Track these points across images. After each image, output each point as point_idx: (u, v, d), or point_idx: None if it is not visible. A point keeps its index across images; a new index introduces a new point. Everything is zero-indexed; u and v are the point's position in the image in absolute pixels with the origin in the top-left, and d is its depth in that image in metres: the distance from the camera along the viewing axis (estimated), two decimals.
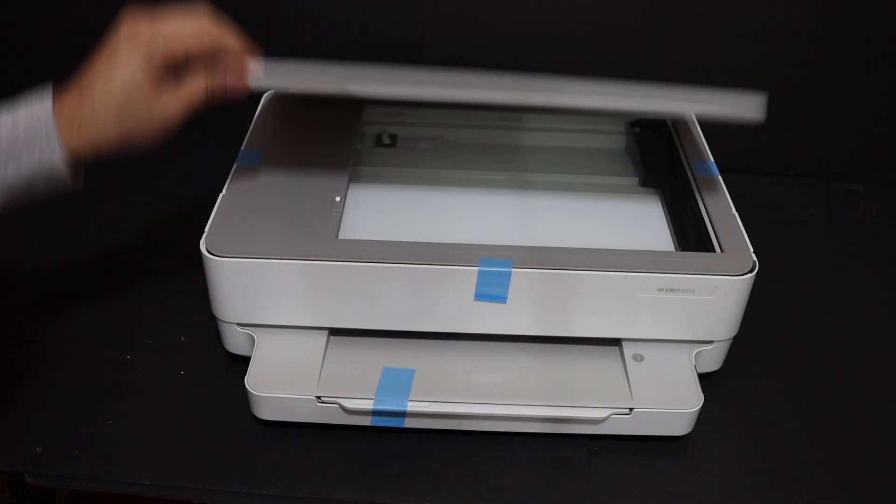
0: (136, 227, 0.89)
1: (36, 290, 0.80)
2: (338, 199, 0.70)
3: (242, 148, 0.77)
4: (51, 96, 0.57)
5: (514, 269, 0.64)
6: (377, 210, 0.76)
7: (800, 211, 0.97)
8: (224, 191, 0.70)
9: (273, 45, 0.96)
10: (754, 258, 0.66)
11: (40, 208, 0.92)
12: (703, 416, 0.66)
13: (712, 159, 0.78)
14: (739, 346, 0.71)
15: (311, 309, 0.66)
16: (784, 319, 0.81)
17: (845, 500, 0.65)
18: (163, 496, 0.64)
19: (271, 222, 0.67)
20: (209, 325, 0.71)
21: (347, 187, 0.73)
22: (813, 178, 1.02)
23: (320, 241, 0.65)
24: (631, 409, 0.65)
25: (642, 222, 0.77)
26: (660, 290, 0.65)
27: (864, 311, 0.82)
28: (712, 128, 0.84)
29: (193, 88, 0.59)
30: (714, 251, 0.68)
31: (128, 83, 0.56)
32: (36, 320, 0.77)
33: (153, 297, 0.80)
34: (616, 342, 0.70)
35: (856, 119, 0.99)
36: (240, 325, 0.68)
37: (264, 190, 0.71)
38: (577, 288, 0.65)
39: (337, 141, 0.79)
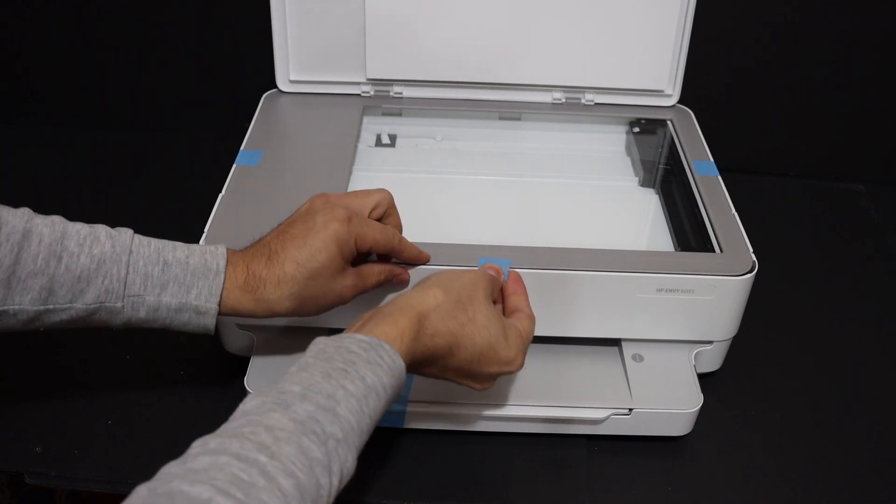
0: (135, 227, 0.89)
1: None
2: None
3: (242, 148, 0.77)
4: (224, 257, 0.57)
5: (514, 269, 0.64)
6: None
7: (800, 211, 0.97)
8: (224, 191, 0.71)
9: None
10: (754, 258, 0.66)
11: (40, 207, 0.93)
12: (703, 416, 0.66)
13: (712, 159, 0.78)
14: (739, 346, 0.71)
15: None
16: (784, 319, 0.81)
17: (846, 499, 0.65)
18: None
19: (271, 222, 0.67)
20: None
21: (347, 187, 0.73)
22: (813, 178, 1.02)
23: None
24: (630, 410, 0.65)
25: (642, 223, 0.77)
26: (659, 290, 0.65)
27: (864, 311, 0.82)
28: (712, 128, 0.84)
29: (371, 276, 0.61)
30: (713, 251, 0.68)
31: (323, 258, 0.56)
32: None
33: None
34: (616, 342, 0.70)
35: (856, 119, 0.99)
36: (239, 325, 0.68)
37: (264, 190, 0.71)
38: (577, 288, 0.65)
39: (337, 140, 0.79)
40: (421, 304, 0.54)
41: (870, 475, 0.66)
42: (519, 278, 0.63)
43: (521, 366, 0.58)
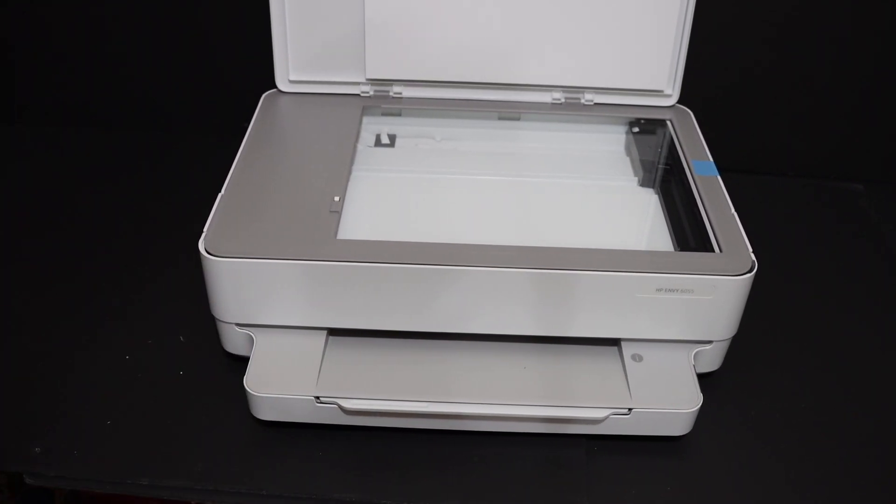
0: (135, 227, 0.90)
1: (35, 289, 0.81)
2: (337, 198, 0.70)
3: (243, 147, 0.77)
4: None
5: (514, 269, 0.63)
6: (376, 210, 0.76)
7: (800, 211, 0.97)
8: (223, 191, 0.71)
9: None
10: (753, 258, 0.66)
11: (40, 207, 0.93)
12: (702, 416, 0.66)
13: (711, 159, 0.78)
14: (738, 346, 0.71)
15: (310, 309, 0.66)
16: (783, 320, 0.81)
17: (847, 498, 0.65)
18: (162, 496, 0.64)
19: (270, 222, 0.67)
20: (209, 325, 0.71)
21: (346, 187, 0.74)
22: (813, 178, 1.02)
23: (319, 241, 0.65)
24: (630, 409, 0.65)
25: (641, 222, 0.77)
26: (659, 290, 0.65)
27: (864, 312, 0.82)
28: (712, 128, 0.84)
29: None
30: (713, 251, 0.68)
31: None
32: (35, 319, 0.77)
33: (153, 297, 0.80)
34: (615, 342, 0.70)
35: (856, 119, 0.99)
36: (238, 325, 0.68)
37: (263, 190, 0.71)
38: (576, 288, 0.65)
39: (336, 140, 0.79)
40: None
41: (871, 474, 0.66)
42: None
43: None
